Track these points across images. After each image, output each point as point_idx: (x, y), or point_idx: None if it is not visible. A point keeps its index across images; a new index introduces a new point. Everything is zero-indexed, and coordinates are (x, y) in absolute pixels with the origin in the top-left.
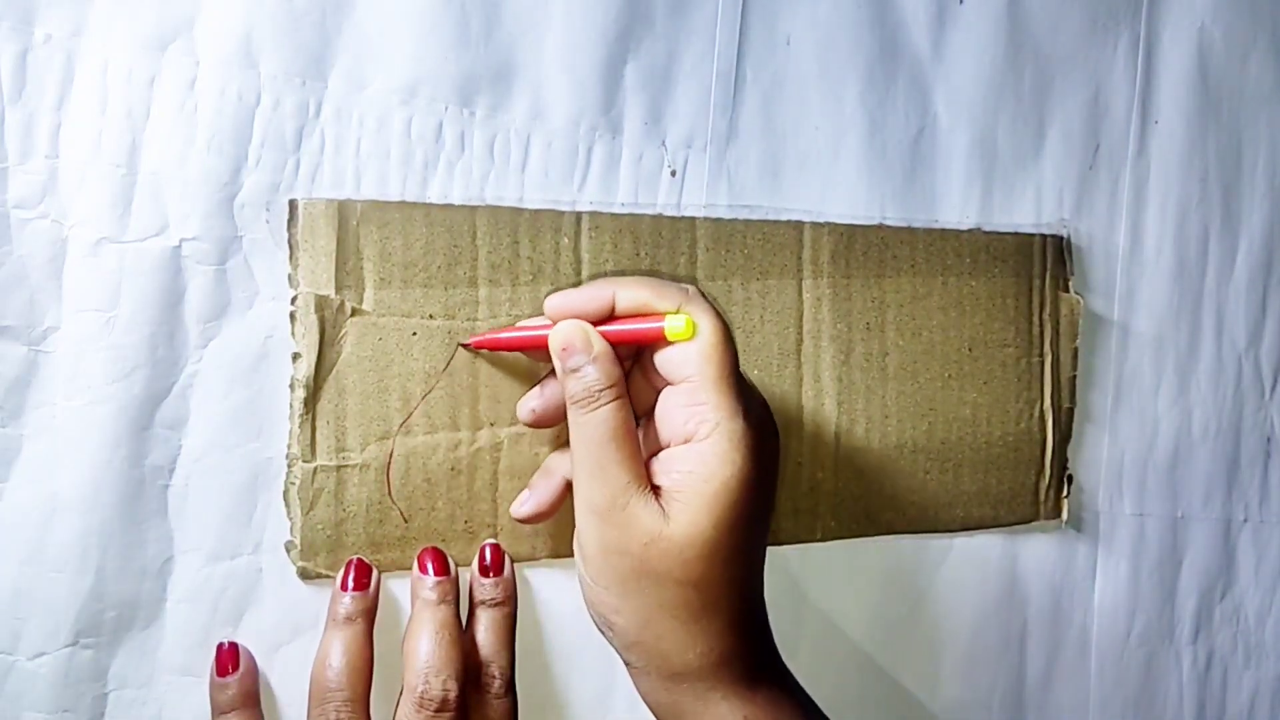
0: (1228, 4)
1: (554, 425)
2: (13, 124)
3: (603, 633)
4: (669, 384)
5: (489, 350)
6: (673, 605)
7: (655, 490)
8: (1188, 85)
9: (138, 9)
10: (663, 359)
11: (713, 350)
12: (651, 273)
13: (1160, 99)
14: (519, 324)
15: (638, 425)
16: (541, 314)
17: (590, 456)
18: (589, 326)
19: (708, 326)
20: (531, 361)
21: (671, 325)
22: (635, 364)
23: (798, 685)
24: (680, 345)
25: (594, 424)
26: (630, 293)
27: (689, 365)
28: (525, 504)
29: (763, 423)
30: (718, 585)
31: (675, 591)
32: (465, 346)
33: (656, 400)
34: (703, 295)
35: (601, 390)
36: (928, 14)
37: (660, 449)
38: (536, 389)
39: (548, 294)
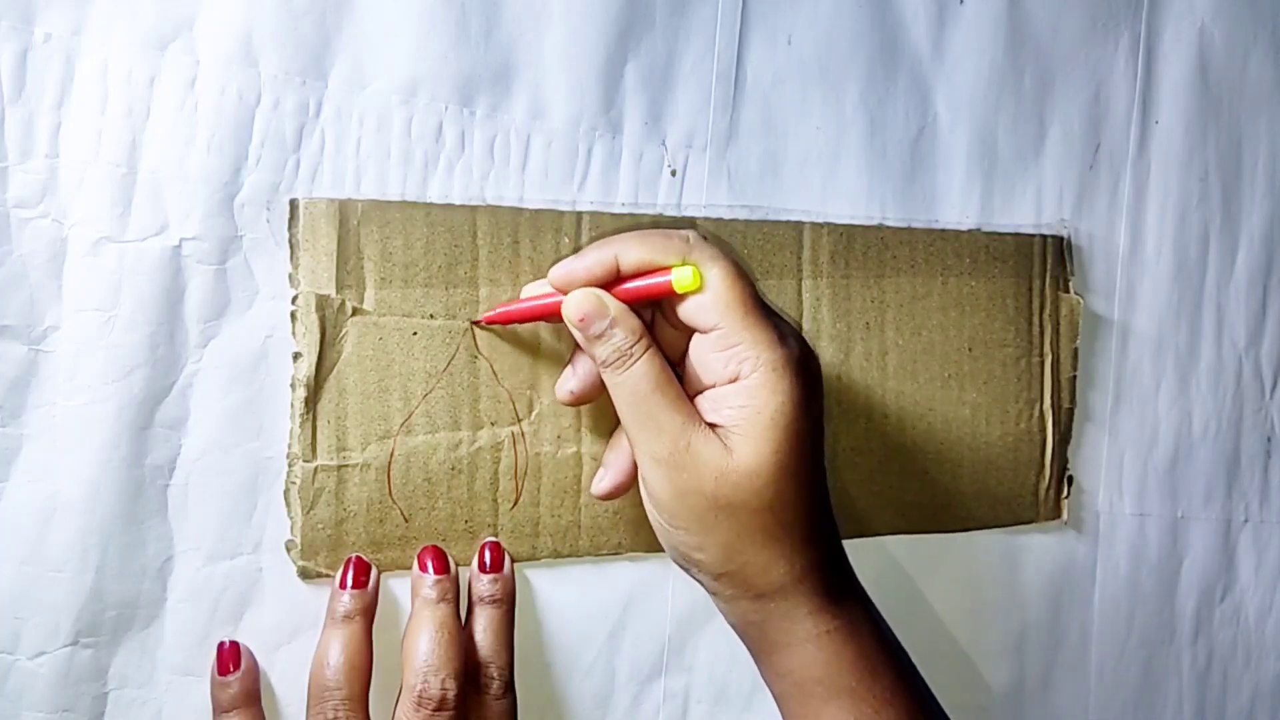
0: (1228, 4)
1: (594, 399)
2: (13, 123)
3: (686, 571)
4: (697, 331)
5: (501, 325)
6: (751, 531)
7: (710, 427)
8: (1188, 85)
9: (138, 8)
10: (684, 312)
11: (729, 294)
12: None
13: (1160, 99)
14: (524, 293)
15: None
16: (543, 278)
17: (639, 411)
18: (601, 291)
19: (716, 272)
20: (534, 357)
21: (679, 279)
22: (657, 312)
23: (873, 605)
24: (696, 297)
25: (633, 380)
26: (632, 253)
27: (711, 314)
28: (604, 480)
29: (800, 342)
30: (790, 505)
31: (752, 518)
32: (476, 324)
33: (688, 345)
34: (705, 239)
35: (630, 347)
36: (928, 14)
37: (703, 388)
38: (569, 369)
39: (551, 264)
